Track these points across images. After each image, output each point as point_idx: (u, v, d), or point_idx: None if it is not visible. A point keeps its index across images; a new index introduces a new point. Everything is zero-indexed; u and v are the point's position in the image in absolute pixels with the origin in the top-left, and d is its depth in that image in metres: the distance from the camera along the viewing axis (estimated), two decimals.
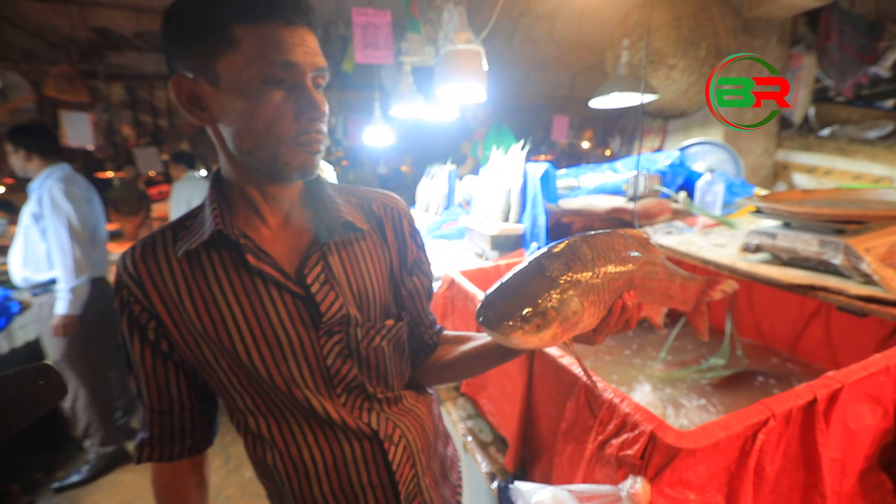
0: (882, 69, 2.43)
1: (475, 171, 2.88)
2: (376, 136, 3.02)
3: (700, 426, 0.58)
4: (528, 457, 0.95)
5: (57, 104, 3.49)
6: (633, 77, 1.91)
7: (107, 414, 2.38)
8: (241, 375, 0.63)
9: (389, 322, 0.71)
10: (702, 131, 2.58)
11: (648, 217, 1.69)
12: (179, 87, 0.57)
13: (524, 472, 0.96)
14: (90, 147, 3.66)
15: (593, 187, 1.96)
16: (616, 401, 0.65)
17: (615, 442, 0.63)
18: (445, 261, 1.90)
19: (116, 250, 3.45)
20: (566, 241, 0.57)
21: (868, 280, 0.94)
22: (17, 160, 2.12)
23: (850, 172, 2.35)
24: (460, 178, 2.80)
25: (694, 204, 1.76)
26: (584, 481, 0.68)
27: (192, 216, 0.65)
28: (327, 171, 2.09)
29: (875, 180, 2.25)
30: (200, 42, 0.54)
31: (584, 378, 0.70)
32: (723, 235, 1.44)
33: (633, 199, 1.69)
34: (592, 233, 0.60)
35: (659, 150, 2.78)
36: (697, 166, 1.99)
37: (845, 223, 1.01)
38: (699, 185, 1.77)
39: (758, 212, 1.20)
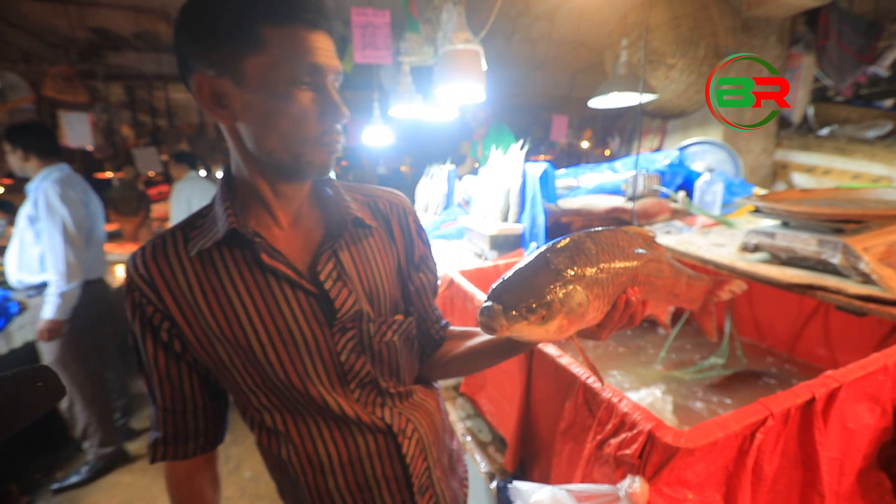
0: (881, 69, 2.43)
1: (474, 171, 2.89)
2: (375, 136, 3.01)
3: (698, 425, 0.58)
4: (526, 456, 0.95)
5: (56, 104, 3.49)
6: (632, 77, 1.91)
7: (105, 415, 2.36)
8: (256, 374, 0.64)
9: (399, 317, 0.72)
10: (701, 131, 2.58)
11: (647, 217, 1.69)
12: (201, 86, 0.57)
13: (523, 471, 0.96)
14: (89, 147, 3.66)
15: (592, 187, 1.96)
16: (614, 400, 0.65)
17: (613, 441, 0.63)
18: (444, 261, 1.90)
19: (115, 251, 3.45)
20: (570, 237, 0.57)
21: (866, 279, 0.94)
22: (14, 160, 2.10)
23: (848, 172, 2.35)
24: (459, 178, 2.80)
25: (693, 203, 1.76)
26: (583, 481, 0.68)
27: (202, 216, 0.65)
28: None
29: (874, 180, 2.26)
30: (228, 41, 0.54)
31: (589, 373, 0.70)
32: (722, 235, 1.44)
33: (632, 198, 1.69)
34: (597, 229, 0.60)
35: (658, 149, 2.79)
36: (696, 166, 1.99)
37: (844, 222, 1.01)
38: (698, 184, 1.78)
39: (757, 211, 1.20)
